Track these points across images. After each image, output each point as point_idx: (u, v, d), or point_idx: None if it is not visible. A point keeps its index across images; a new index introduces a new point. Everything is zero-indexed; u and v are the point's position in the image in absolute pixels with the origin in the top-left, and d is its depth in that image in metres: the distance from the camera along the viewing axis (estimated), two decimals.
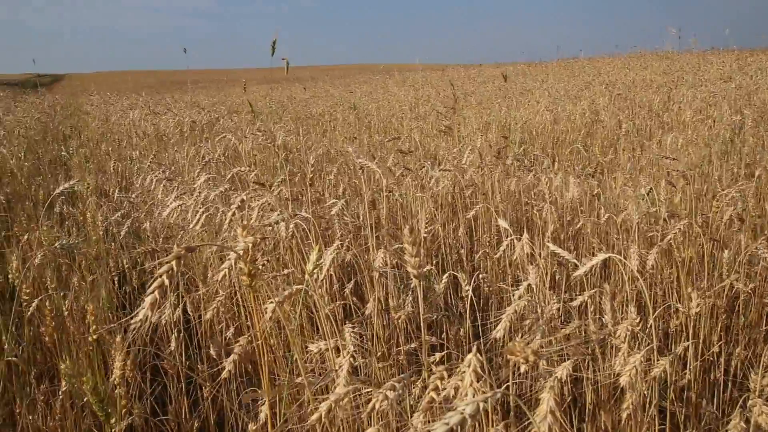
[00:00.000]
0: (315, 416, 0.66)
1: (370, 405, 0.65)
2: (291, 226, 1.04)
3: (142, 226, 1.94)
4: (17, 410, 1.13)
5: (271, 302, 0.72)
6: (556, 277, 1.50)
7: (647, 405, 0.95)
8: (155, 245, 1.45)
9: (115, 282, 1.84)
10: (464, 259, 1.92)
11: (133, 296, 1.76)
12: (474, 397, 0.54)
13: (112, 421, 0.68)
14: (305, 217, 0.96)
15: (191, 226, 1.17)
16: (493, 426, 0.72)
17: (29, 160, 3.41)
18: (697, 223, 1.40)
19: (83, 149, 3.93)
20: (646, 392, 0.94)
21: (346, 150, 2.93)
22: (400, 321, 1.03)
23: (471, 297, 1.10)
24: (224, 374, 0.74)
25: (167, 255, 1.53)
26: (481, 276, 1.26)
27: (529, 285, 1.01)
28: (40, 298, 1.27)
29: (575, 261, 1.06)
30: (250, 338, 0.75)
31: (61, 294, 1.35)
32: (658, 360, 0.89)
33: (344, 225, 1.50)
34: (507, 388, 0.82)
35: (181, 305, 1.22)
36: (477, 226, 1.96)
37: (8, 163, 3.15)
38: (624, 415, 0.88)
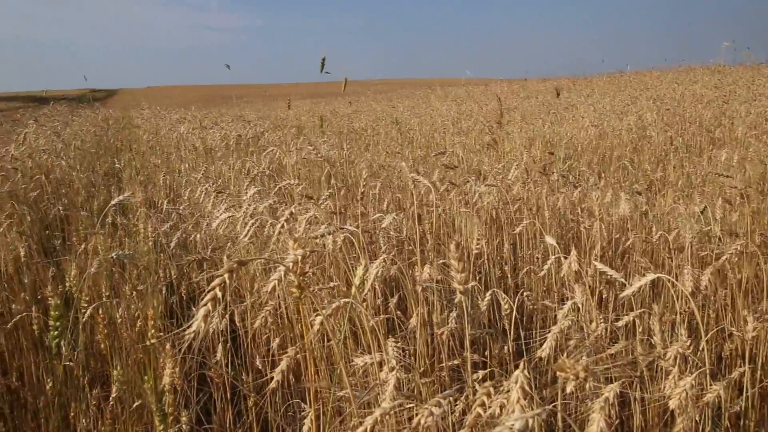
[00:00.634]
0: (360, 430, 0.66)
1: (415, 421, 0.65)
2: (338, 239, 1.06)
3: (190, 238, 1.99)
4: (71, 414, 1.17)
5: (319, 315, 0.73)
6: (603, 296, 1.47)
7: (699, 431, 0.92)
8: (204, 256, 1.48)
9: (163, 291, 1.89)
10: (508, 275, 1.90)
11: (180, 306, 1.80)
12: (521, 413, 0.53)
13: (167, 422, 0.69)
14: (352, 230, 0.97)
15: (240, 238, 1.19)
16: None
17: (85, 171, 3.55)
18: (755, 243, 1.35)
19: (135, 162, 4.06)
20: (697, 418, 0.91)
21: (388, 164, 2.95)
22: (443, 337, 1.03)
23: (515, 315, 1.09)
24: (272, 384, 0.75)
25: (215, 266, 1.56)
26: (525, 294, 1.24)
27: (574, 304, 1.00)
28: (94, 305, 1.32)
29: (623, 280, 1.04)
30: (297, 350, 0.76)
31: (114, 302, 1.39)
32: (710, 385, 0.86)
33: (388, 239, 1.50)
34: (554, 407, 0.81)
35: (227, 315, 1.25)
36: (521, 242, 1.94)
37: (67, 175, 3.28)
38: None
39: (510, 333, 1.00)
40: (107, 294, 1.42)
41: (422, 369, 1.03)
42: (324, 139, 3.97)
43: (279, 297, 1.19)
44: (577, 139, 3.94)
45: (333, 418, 0.92)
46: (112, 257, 1.14)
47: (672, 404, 0.80)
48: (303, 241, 0.62)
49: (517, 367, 0.59)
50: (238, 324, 1.34)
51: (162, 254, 1.92)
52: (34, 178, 2.97)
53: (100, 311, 1.09)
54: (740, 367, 1.10)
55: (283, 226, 0.85)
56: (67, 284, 1.40)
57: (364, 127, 5.36)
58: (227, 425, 1.27)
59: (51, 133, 5.19)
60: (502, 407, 0.63)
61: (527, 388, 0.57)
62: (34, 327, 1.43)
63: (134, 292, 1.51)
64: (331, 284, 1.15)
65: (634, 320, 1.02)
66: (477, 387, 0.66)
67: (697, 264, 1.53)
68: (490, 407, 0.63)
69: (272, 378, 0.83)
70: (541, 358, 0.83)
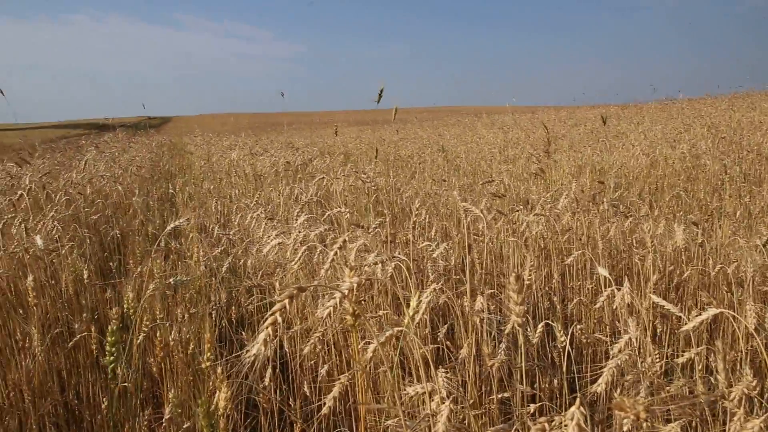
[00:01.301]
0: None
1: None
2: (388, 267, 1.06)
3: (239, 262, 2.04)
4: None
5: (371, 343, 0.73)
6: (658, 331, 1.42)
7: None
8: (254, 282, 1.51)
9: (213, 315, 1.93)
10: (557, 306, 1.86)
11: (229, 330, 1.83)
12: None
13: None
14: (402, 259, 0.98)
15: (291, 264, 1.21)
16: None
17: (141, 196, 3.68)
18: None
19: (188, 187, 4.19)
20: None
21: (434, 192, 2.96)
22: (493, 369, 1.02)
23: (563, 349, 1.07)
24: (324, 410, 0.75)
25: (264, 292, 1.59)
26: (578, 327, 1.22)
27: (629, 338, 0.97)
28: (149, 327, 1.36)
29: (679, 314, 1.01)
30: (349, 377, 0.77)
31: (167, 324, 1.43)
32: None
33: (436, 267, 1.50)
34: None
35: (277, 340, 1.26)
36: (570, 272, 1.90)
37: (124, 200, 3.40)
38: None
39: (563, 366, 0.98)
40: (161, 317, 1.46)
41: (471, 401, 1.01)
42: (371, 167, 4.01)
43: (327, 324, 1.20)
44: (628, 168, 3.86)
45: None
46: (170, 282, 1.18)
47: None
48: (357, 269, 0.63)
49: (572, 402, 0.58)
50: (286, 350, 1.36)
51: (213, 278, 1.97)
52: (95, 202, 3.10)
53: (158, 334, 1.12)
54: None
55: (336, 254, 0.87)
56: (125, 306, 1.44)
57: (410, 155, 5.39)
58: None
59: (110, 159, 5.42)
60: None
61: (583, 425, 0.56)
62: (93, 347, 1.48)
63: (186, 316, 1.55)
64: (380, 312, 1.15)
65: (693, 357, 0.99)
66: (528, 421, 0.65)
67: (759, 299, 1.47)
68: None
69: (320, 404, 0.83)
70: (596, 394, 0.81)
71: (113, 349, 0.87)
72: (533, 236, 1.99)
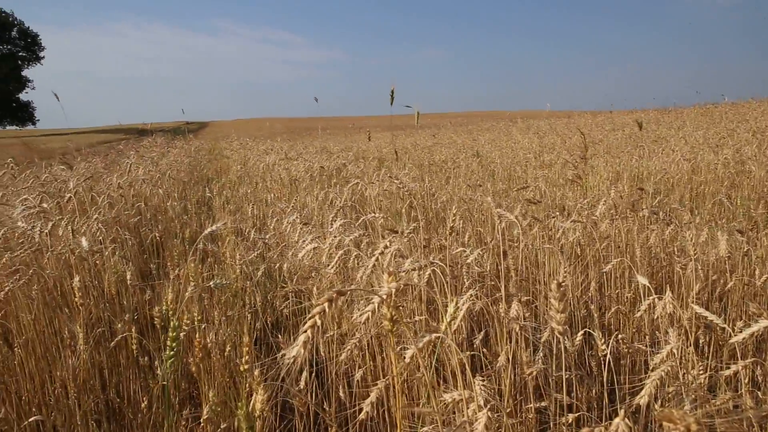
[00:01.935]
0: None
1: None
2: (424, 273, 1.06)
3: (275, 266, 2.06)
4: None
5: (407, 348, 0.73)
6: (700, 342, 1.38)
7: None
8: (290, 286, 1.52)
9: (249, 318, 1.95)
10: (594, 315, 1.83)
11: (265, 333, 1.85)
12: None
13: None
14: (438, 264, 0.97)
15: (327, 269, 1.22)
16: None
17: (179, 200, 3.76)
18: None
19: (225, 191, 4.26)
20: None
21: (469, 197, 2.94)
22: (530, 377, 1.00)
23: (603, 358, 1.05)
24: (362, 416, 0.76)
25: (300, 296, 1.60)
26: (620, 337, 1.19)
27: (671, 349, 0.95)
28: (187, 329, 1.38)
29: (724, 325, 0.98)
30: (386, 382, 0.77)
31: (203, 327, 1.46)
32: None
33: (471, 273, 1.49)
34: None
35: (313, 344, 1.27)
36: (608, 280, 1.87)
37: (163, 203, 3.48)
38: None
39: (604, 376, 0.96)
40: (199, 318, 1.49)
41: (508, 409, 1.00)
42: (405, 172, 4.01)
43: (363, 329, 1.20)
44: (668, 174, 3.77)
45: None
46: (209, 285, 1.20)
47: None
48: (395, 274, 0.63)
49: (611, 413, 0.57)
50: (322, 354, 1.37)
51: (249, 282, 2.00)
52: (135, 205, 3.18)
53: (197, 335, 1.14)
54: None
55: (378, 260, 0.87)
56: (164, 308, 1.48)
57: (444, 160, 5.38)
58: None
59: (150, 163, 5.55)
60: None
61: None
62: (133, 347, 1.51)
63: (224, 318, 1.57)
64: (416, 318, 1.15)
65: (739, 370, 0.96)
66: (565, 431, 0.64)
67: None
68: None
69: (355, 409, 0.83)
70: (637, 406, 0.79)
71: (174, 344, 0.89)
72: (569, 243, 1.96)
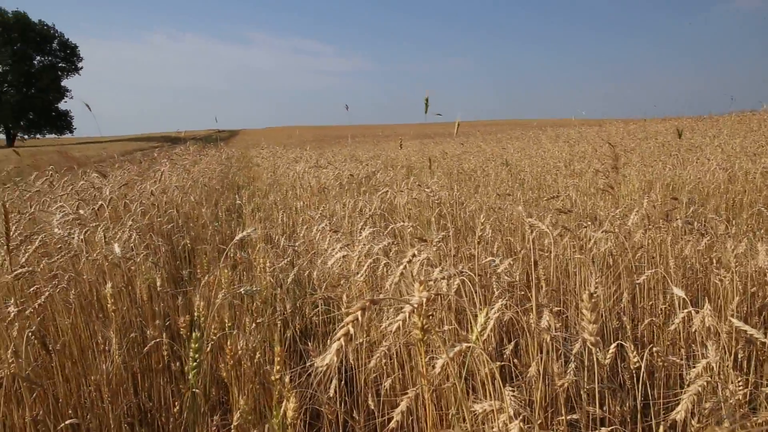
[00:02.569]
0: None
1: None
2: (453, 282, 1.06)
3: (304, 273, 2.07)
4: None
5: (437, 358, 0.73)
6: (739, 357, 1.34)
7: None
8: (320, 294, 1.53)
9: (278, 325, 1.96)
10: (626, 326, 1.80)
11: (294, 340, 1.86)
12: None
13: None
14: (468, 274, 0.97)
15: (356, 277, 1.22)
16: None
17: (210, 207, 3.82)
18: None
19: (255, 199, 4.31)
20: None
21: (498, 206, 2.92)
22: (562, 389, 0.99)
23: (636, 371, 1.02)
24: (392, 425, 0.75)
25: (327, 303, 1.61)
26: (655, 349, 1.17)
27: (708, 363, 0.92)
28: (218, 335, 1.40)
29: (765, 339, 0.95)
30: (417, 392, 0.76)
31: (234, 333, 1.47)
32: None
33: (500, 283, 1.48)
34: None
35: (343, 352, 1.27)
36: (641, 291, 1.83)
37: (194, 210, 3.53)
38: None
39: (638, 390, 0.94)
40: (230, 325, 1.51)
41: (539, 421, 0.99)
42: (434, 180, 4.00)
43: (393, 338, 1.20)
44: (703, 183, 3.69)
45: None
46: (240, 292, 1.21)
47: None
48: (425, 283, 0.63)
49: (646, 428, 0.56)
50: (351, 362, 1.37)
51: (279, 289, 2.01)
52: (167, 212, 3.24)
53: (228, 342, 1.15)
54: None
55: (406, 268, 0.87)
56: (195, 314, 1.50)
57: (473, 168, 5.36)
58: None
59: (182, 170, 5.65)
60: None
61: None
62: (164, 353, 1.54)
63: (254, 325, 1.59)
64: (445, 327, 1.14)
65: None
66: None
67: None
68: None
69: (385, 418, 0.83)
70: (673, 421, 0.77)
71: (196, 355, 0.90)
72: (601, 253, 1.93)
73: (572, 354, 1.11)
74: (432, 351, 1.01)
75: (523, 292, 1.67)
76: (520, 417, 0.68)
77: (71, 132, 42.58)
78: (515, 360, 1.17)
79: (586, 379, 1.02)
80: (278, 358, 0.86)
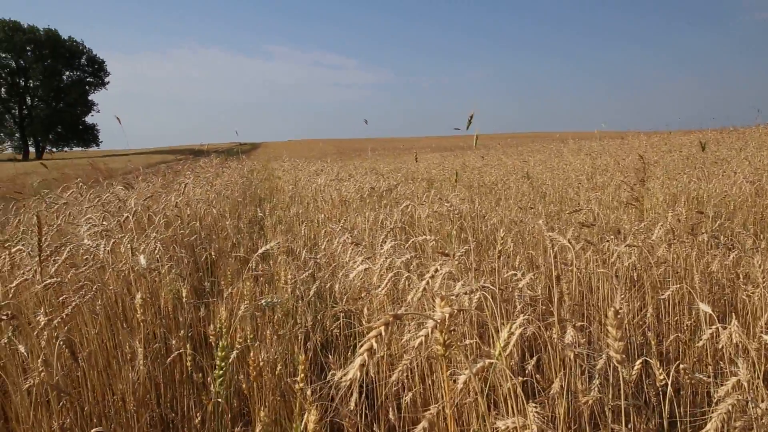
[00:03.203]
0: None
1: None
2: (474, 297, 1.05)
3: (326, 286, 2.08)
4: None
5: (458, 372, 0.72)
6: None
7: None
8: (341, 307, 1.54)
9: (299, 338, 1.97)
10: (651, 342, 1.77)
11: (315, 352, 1.87)
12: None
13: None
14: (490, 288, 0.96)
15: (379, 290, 1.23)
16: None
17: (232, 219, 3.85)
18: None
19: (277, 211, 4.34)
20: None
21: (520, 220, 2.90)
22: (586, 405, 0.98)
23: (663, 387, 1.01)
24: None
25: (348, 316, 1.61)
26: (682, 366, 1.15)
27: (738, 381, 0.91)
28: (240, 347, 1.41)
29: None
30: (439, 408, 0.76)
31: (256, 345, 1.48)
32: None
33: (522, 297, 1.47)
34: None
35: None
36: (666, 307, 1.80)
37: (217, 222, 3.57)
38: None
39: (664, 408, 0.93)
40: (251, 337, 1.52)
41: None
42: (455, 193, 4.00)
43: (414, 352, 1.20)
44: (729, 197, 3.63)
45: None
46: (261, 304, 1.22)
47: None
48: (447, 298, 0.63)
49: None
50: (371, 375, 1.37)
51: (300, 301, 2.02)
52: (190, 224, 3.28)
53: (250, 354, 1.16)
54: None
55: (428, 283, 0.87)
56: (217, 325, 1.51)
57: (494, 181, 5.34)
58: None
59: (204, 182, 5.72)
60: None
61: None
62: (188, 363, 1.55)
63: (275, 337, 1.60)
64: (466, 342, 1.14)
65: None
66: None
67: None
68: None
69: None
70: None
71: (223, 364, 0.91)
72: (625, 268, 1.91)
73: (596, 370, 1.10)
74: (453, 365, 1.00)
75: (545, 307, 1.66)
76: None
77: (97, 145, 43.51)
78: (537, 375, 1.15)
79: (611, 396, 1.00)
80: (302, 366, 0.86)
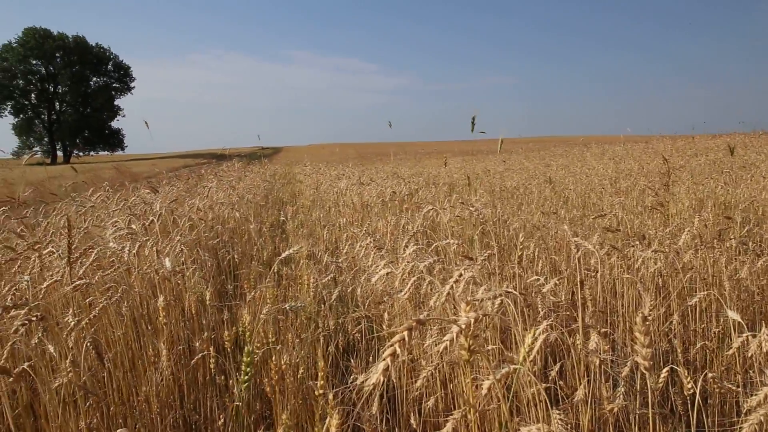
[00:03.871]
0: None
1: None
2: (497, 302, 1.05)
3: (348, 290, 2.08)
4: None
5: (481, 378, 0.72)
6: None
7: None
8: (363, 311, 1.54)
9: (321, 341, 1.98)
10: (677, 350, 1.74)
11: (336, 356, 1.87)
12: None
13: None
14: (513, 293, 0.96)
15: (400, 295, 1.23)
16: None
17: (255, 223, 3.88)
18: None
19: (298, 215, 4.36)
20: None
21: (542, 224, 2.88)
22: (611, 413, 0.97)
23: (690, 397, 0.99)
24: None
25: (370, 320, 1.61)
26: (710, 375, 1.13)
27: None
28: (262, 350, 1.42)
29: None
30: (463, 413, 0.76)
31: (278, 348, 1.49)
32: None
33: (545, 303, 1.46)
34: None
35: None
36: (693, 313, 1.77)
37: (240, 225, 3.60)
38: None
39: (692, 417, 0.91)
40: (273, 340, 1.53)
41: None
42: (476, 198, 3.98)
43: (437, 357, 1.20)
44: (758, 202, 3.56)
45: None
46: (285, 308, 1.23)
47: None
48: (472, 304, 0.63)
49: None
50: (393, 380, 1.36)
51: (322, 305, 2.03)
52: (214, 228, 3.31)
53: (272, 357, 1.17)
54: None
55: (452, 287, 0.87)
56: (240, 329, 1.52)
57: (516, 186, 5.30)
58: None
59: (228, 186, 5.78)
60: None
61: None
62: (211, 366, 1.56)
63: (297, 340, 1.60)
64: (489, 347, 1.13)
65: None
66: None
67: None
68: None
69: None
70: None
71: (248, 369, 0.92)
72: (650, 273, 1.88)
73: (621, 377, 1.08)
74: (476, 370, 1.00)
75: (568, 313, 1.64)
76: None
77: (122, 149, 44.30)
78: (561, 382, 1.14)
79: (636, 404, 0.99)
80: (321, 374, 0.87)
